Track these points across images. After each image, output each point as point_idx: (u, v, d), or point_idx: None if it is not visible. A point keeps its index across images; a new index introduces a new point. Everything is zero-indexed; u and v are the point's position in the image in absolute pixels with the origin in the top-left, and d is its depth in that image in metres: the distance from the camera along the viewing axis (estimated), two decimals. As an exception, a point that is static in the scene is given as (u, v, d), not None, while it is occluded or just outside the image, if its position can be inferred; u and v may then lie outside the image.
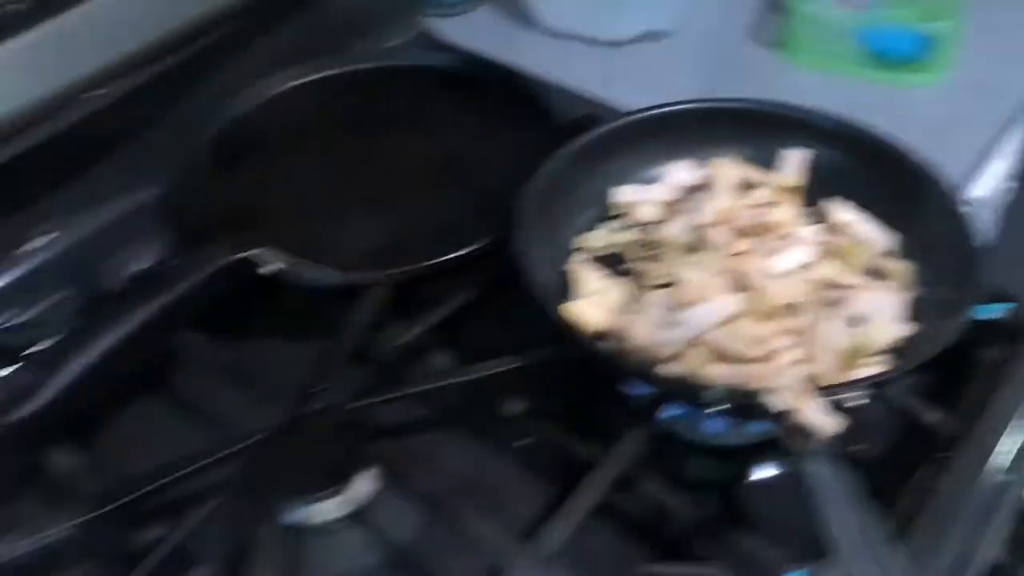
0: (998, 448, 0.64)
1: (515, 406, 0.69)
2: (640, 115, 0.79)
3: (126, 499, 0.63)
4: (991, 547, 0.64)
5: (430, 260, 0.73)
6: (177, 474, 0.65)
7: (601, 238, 0.75)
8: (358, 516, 0.67)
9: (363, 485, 0.67)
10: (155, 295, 0.67)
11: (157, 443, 0.72)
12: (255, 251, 0.71)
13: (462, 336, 0.75)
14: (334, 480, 0.65)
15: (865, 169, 0.75)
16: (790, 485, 0.67)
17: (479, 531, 0.60)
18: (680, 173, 0.78)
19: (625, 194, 0.77)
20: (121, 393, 0.74)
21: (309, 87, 0.95)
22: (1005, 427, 0.65)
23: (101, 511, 0.62)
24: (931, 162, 0.72)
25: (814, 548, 0.59)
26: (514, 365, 0.67)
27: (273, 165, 0.86)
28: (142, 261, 0.81)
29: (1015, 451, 0.65)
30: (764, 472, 0.68)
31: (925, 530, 0.60)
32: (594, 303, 0.67)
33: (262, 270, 0.72)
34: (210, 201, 0.81)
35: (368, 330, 0.73)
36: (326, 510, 0.66)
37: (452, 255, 0.73)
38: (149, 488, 0.64)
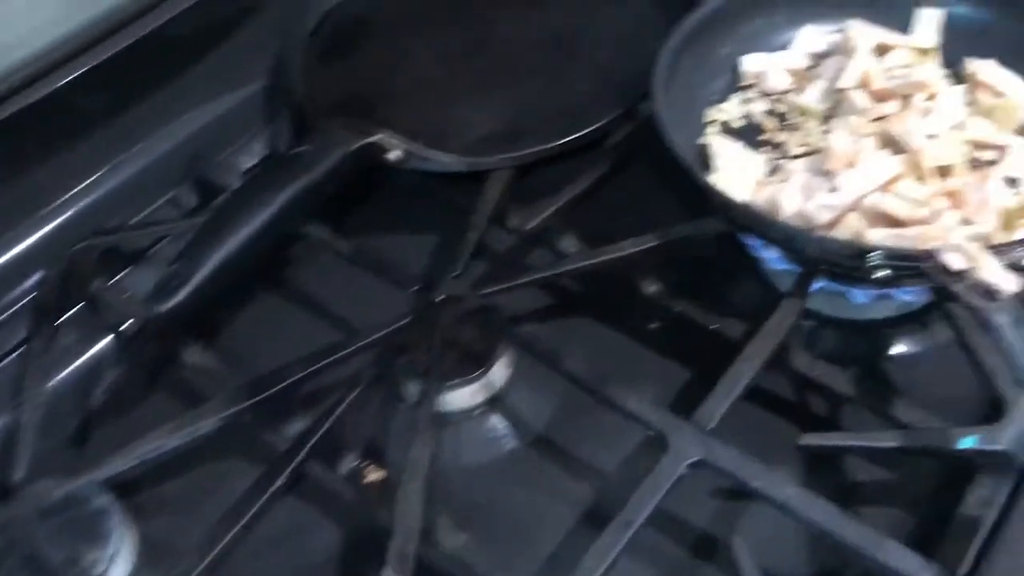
0: None
1: (651, 287, 0.67)
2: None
3: (268, 392, 0.62)
4: None
5: (553, 141, 0.70)
6: (315, 366, 0.64)
7: (734, 109, 0.72)
8: (496, 402, 0.66)
9: (499, 371, 0.66)
10: (285, 184, 0.65)
11: (284, 338, 0.71)
12: (379, 136, 0.69)
13: (591, 218, 0.73)
14: (468, 367, 0.64)
15: (1004, 22, 0.71)
16: (936, 358, 0.66)
17: (630, 406, 0.58)
18: (811, 38, 0.74)
19: (755, 62, 0.73)
20: (245, 289, 0.73)
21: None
22: None
23: (244, 404, 0.62)
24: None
25: (972, 417, 0.58)
26: (649, 244, 0.65)
27: (384, 49, 0.83)
28: (253, 155, 0.80)
29: None
30: (910, 345, 0.66)
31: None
32: (736, 175, 0.64)
33: (387, 155, 0.70)
34: (326, 88, 0.79)
35: (493, 216, 0.71)
36: (462, 397, 0.65)
37: (576, 135, 0.70)
38: (290, 380, 0.63)
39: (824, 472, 0.59)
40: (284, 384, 0.63)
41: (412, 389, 0.64)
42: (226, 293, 0.69)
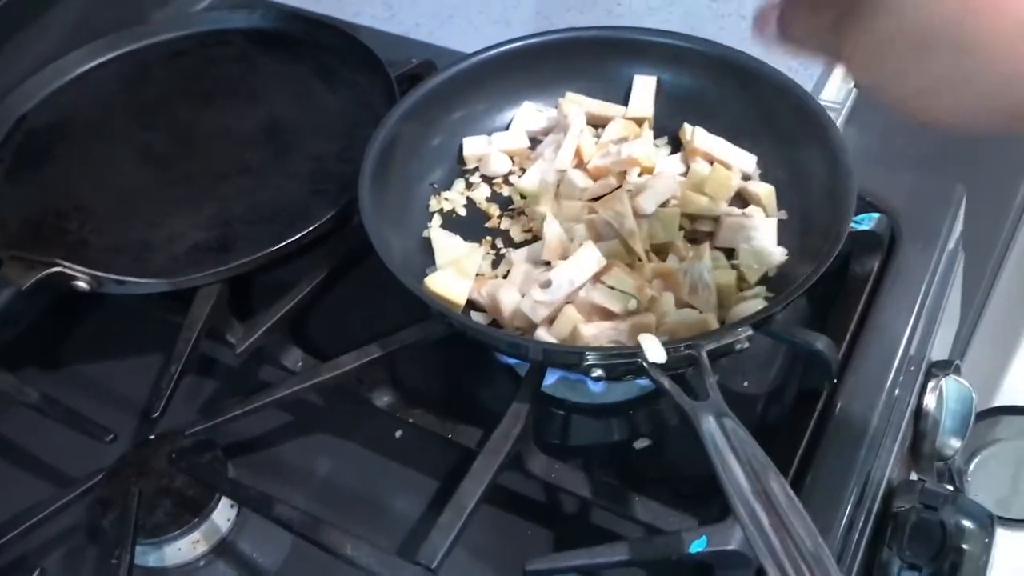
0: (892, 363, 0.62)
1: (383, 397, 0.63)
2: (480, 57, 0.72)
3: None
4: (892, 466, 0.62)
5: (264, 249, 0.65)
6: (15, 531, 0.56)
7: (456, 197, 0.68)
8: (222, 549, 0.60)
9: (222, 514, 0.60)
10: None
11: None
12: (57, 268, 0.61)
13: (315, 327, 0.68)
14: (185, 515, 0.58)
15: (716, 88, 0.71)
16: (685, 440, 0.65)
17: (354, 552, 0.53)
18: (529, 116, 0.72)
19: (475, 145, 0.70)
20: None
21: (109, 66, 0.84)
22: (898, 341, 0.63)
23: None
24: (781, 72, 0.68)
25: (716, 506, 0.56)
26: (374, 356, 0.60)
27: (82, 157, 0.76)
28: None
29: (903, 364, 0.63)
30: (653, 428, 0.65)
31: (826, 462, 0.57)
32: (458, 271, 0.61)
33: (75, 284, 0.62)
34: (12, 210, 0.70)
35: (206, 337, 0.64)
36: (181, 549, 0.59)
37: (290, 239, 0.65)
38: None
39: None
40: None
41: (125, 544, 0.57)
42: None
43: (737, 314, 0.58)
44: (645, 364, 0.52)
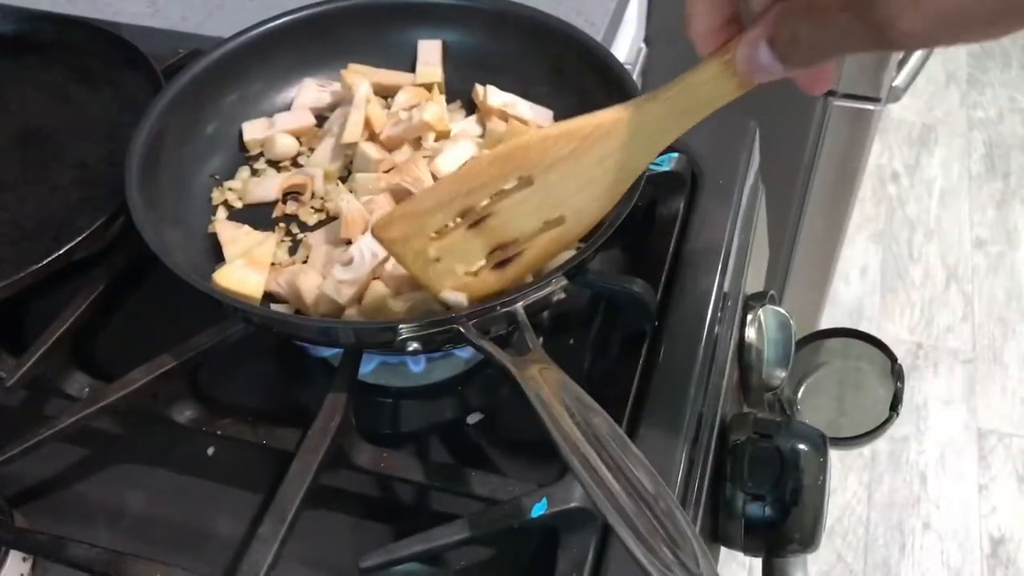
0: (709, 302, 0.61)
1: (185, 412, 0.57)
2: (248, 35, 0.67)
3: None
4: (724, 402, 0.62)
5: (29, 267, 0.57)
6: None
7: (240, 185, 0.63)
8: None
9: (14, 568, 0.52)
10: None
11: None
12: None
13: (99, 345, 0.61)
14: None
15: (504, 44, 0.68)
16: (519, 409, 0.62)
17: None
18: (312, 93, 0.67)
19: (255, 129, 0.65)
20: None
21: None
22: (711, 277, 0.62)
23: None
24: (566, 23, 0.67)
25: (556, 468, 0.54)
26: (168, 366, 0.54)
27: None
28: None
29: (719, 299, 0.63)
30: (484, 402, 0.62)
31: (657, 406, 0.56)
32: (250, 262, 0.56)
33: None
34: None
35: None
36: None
37: (56, 254, 0.58)
38: None
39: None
40: None
41: None
42: None
43: (549, 266, 0.55)
44: (462, 329, 0.49)
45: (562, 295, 0.52)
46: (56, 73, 0.74)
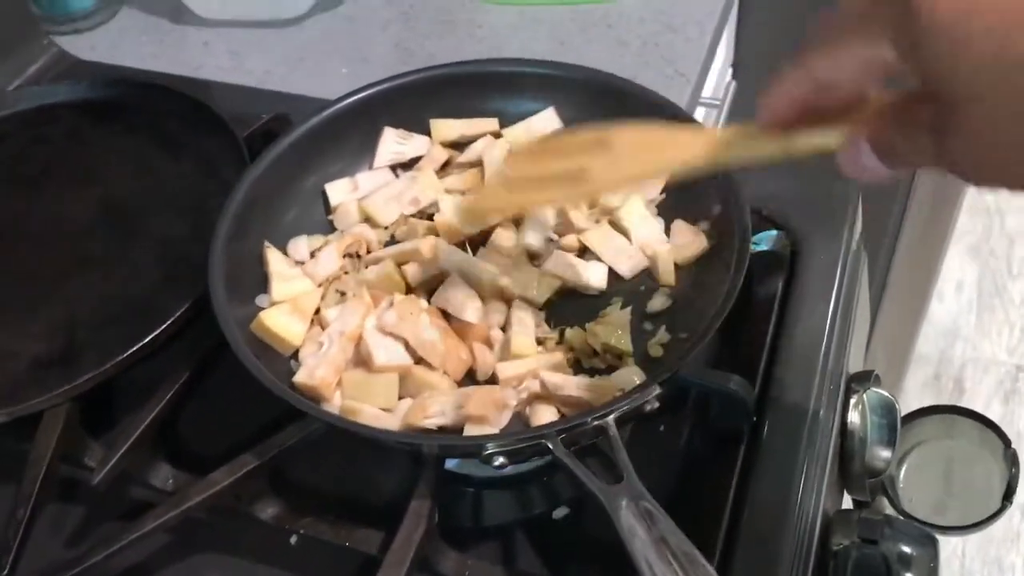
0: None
1: (268, 509, 0.56)
2: (342, 105, 0.66)
3: None
4: (825, 495, 0.59)
5: (116, 357, 0.57)
6: None
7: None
8: None
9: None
10: None
11: None
12: None
13: (184, 437, 0.61)
14: None
15: (595, 112, 0.66)
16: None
17: None
18: (389, 146, 0.67)
19: (338, 192, 0.65)
20: None
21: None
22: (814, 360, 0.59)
23: None
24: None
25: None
26: (251, 466, 0.53)
27: None
28: None
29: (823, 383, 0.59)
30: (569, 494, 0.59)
31: (758, 510, 0.53)
32: (295, 310, 0.57)
33: None
34: None
35: (61, 461, 0.57)
36: None
37: (142, 342, 0.57)
38: None
39: None
40: None
41: None
42: None
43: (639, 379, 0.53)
44: (550, 446, 0.47)
45: (655, 404, 0.49)
46: (140, 139, 0.74)
